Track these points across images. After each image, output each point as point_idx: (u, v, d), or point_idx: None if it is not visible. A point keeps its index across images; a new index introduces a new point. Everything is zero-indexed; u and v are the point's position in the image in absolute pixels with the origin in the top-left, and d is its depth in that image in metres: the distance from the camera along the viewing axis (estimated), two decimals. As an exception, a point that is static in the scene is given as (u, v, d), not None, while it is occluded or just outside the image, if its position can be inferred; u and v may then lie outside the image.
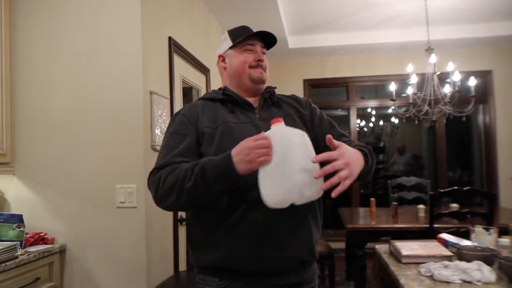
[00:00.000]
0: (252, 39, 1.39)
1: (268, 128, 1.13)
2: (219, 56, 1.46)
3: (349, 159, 1.05)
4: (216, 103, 1.36)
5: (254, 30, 1.40)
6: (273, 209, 1.11)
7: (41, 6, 2.34)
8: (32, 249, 2.08)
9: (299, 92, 5.47)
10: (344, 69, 5.45)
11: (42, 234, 2.23)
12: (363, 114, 7.62)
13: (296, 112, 1.40)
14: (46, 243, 2.22)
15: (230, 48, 1.41)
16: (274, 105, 1.41)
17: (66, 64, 2.30)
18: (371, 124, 8.12)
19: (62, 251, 2.24)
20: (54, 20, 2.33)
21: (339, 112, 7.57)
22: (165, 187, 1.17)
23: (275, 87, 1.46)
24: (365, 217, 3.79)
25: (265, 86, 1.42)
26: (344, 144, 1.09)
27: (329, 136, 1.08)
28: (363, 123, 7.90)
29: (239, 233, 1.19)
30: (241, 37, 1.38)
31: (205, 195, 1.14)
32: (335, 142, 1.07)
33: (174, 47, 2.69)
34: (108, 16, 2.27)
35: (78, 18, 2.30)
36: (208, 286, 1.27)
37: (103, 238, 2.22)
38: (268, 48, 1.44)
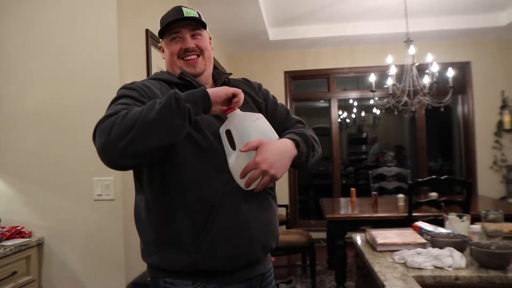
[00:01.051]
0: (179, 25, 1.26)
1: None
2: (160, 47, 1.37)
3: (271, 159, 1.08)
4: (173, 87, 1.25)
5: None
6: (243, 199, 1.14)
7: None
8: (9, 243, 2.05)
9: (280, 84, 5.48)
10: (325, 60, 5.46)
11: (19, 227, 2.21)
12: (344, 106, 7.68)
13: (252, 100, 1.35)
14: (23, 237, 2.19)
15: (162, 37, 1.32)
16: None
17: (41, 57, 2.26)
18: (353, 116, 8.20)
19: (39, 244, 2.22)
20: (29, 13, 2.28)
21: (321, 104, 7.63)
22: (125, 121, 0.99)
23: (230, 73, 1.40)
24: (346, 207, 3.83)
25: (206, 73, 1.32)
26: (265, 144, 1.10)
27: (246, 145, 1.09)
28: (344, 114, 7.97)
29: (217, 230, 1.13)
30: (163, 25, 1.27)
31: (171, 124, 1.00)
32: (253, 143, 1.09)
33: (152, 40, 2.66)
34: (84, 8, 2.23)
35: (54, 11, 2.26)
36: None
37: (81, 231, 2.20)
38: (203, 27, 1.31)
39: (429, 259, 1.44)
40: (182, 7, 1.29)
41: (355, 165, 7.69)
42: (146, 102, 1.10)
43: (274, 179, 1.10)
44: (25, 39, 2.28)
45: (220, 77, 1.37)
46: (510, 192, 4.96)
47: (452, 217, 1.82)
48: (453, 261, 1.42)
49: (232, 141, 1.14)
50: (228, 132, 1.14)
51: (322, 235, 4.92)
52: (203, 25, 1.30)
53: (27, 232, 2.22)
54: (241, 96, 1.13)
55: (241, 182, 1.12)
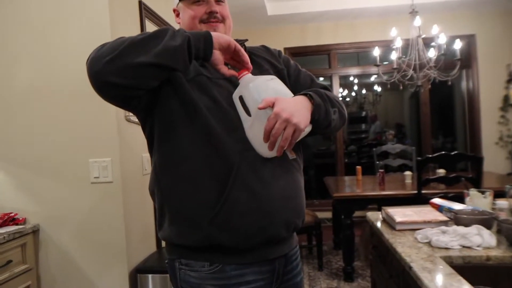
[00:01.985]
0: None
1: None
2: (174, 11, 1.28)
3: (290, 109, 0.99)
4: None
5: None
6: (261, 170, 1.05)
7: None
8: (1, 230, 1.94)
9: (281, 61, 5.31)
10: (326, 36, 5.29)
11: (12, 214, 2.09)
12: (345, 84, 7.53)
13: (272, 67, 1.26)
14: (17, 224, 2.07)
15: (180, 0, 1.22)
16: None
17: (28, 33, 2.10)
18: (353, 94, 8.06)
19: (35, 231, 2.10)
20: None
21: (322, 81, 7.45)
22: (119, 40, 0.95)
23: (246, 39, 1.30)
24: (352, 186, 3.73)
25: None
26: (281, 98, 1.01)
27: (263, 101, 1.00)
28: (345, 92, 7.83)
29: (232, 201, 1.03)
30: None
31: (166, 43, 0.94)
32: (270, 99, 1.00)
33: (146, 12, 2.50)
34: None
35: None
36: (195, 272, 1.09)
37: (78, 216, 2.09)
38: None
39: (455, 238, 1.33)
40: None
41: (356, 144, 7.59)
42: None
43: (298, 129, 0.99)
44: (10, 15, 2.11)
45: None
46: (516, 168, 4.88)
47: (473, 192, 1.70)
48: (482, 240, 1.31)
49: (246, 108, 1.04)
50: (241, 99, 1.04)
51: (327, 214, 4.84)
52: None
53: (21, 218, 2.10)
54: (242, 51, 1.07)
55: (262, 148, 1.03)
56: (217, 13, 1.19)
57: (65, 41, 2.08)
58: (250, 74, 1.06)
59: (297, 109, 1.01)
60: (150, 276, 2.10)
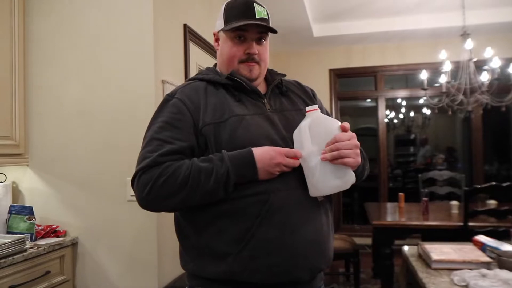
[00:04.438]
0: (246, 24, 1.16)
1: (281, 121, 1.14)
2: (214, 34, 1.28)
3: (357, 145, 1.09)
4: (220, 88, 1.17)
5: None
6: (291, 213, 1.06)
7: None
8: (42, 242, 2.03)
9: (325, 83, 5.27)
10: (372, 57, 5.20)
11: (54, 226, 2.18)
12: (392, 105, 7.32)
13: (306, 106, 1.23)
14: (58, 236, 2.16)
15: (222, 30, 1.21)
16: (282, 95, 1.25)
17: (77, 52, 2.23)
18: (401, 116, 7.82)
19: (73, 244, 2.18)
20: (65, 8, 2.25)
21: (367, 103, 7.33)
22: (169, 185, 1.02)
23: (284, 75, 1.29)
24: (393, 213, 3.59)
25: (258, 80, 1.23)
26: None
27: (343, 125, 1.10)
28: (392, 114, 7.60)
29: (258, 240, 1.03)
30: (233, 22, 1.16)
31: (217, 197, 1.03)
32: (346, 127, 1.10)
33: (190, 35, 2.57)
34: (119, 4, 2.18)
35: (90, 4, 2.21)
36: None
37: (114, 232, 2.15)
38: (272, 32, 1.22)
39: (497, 284, 1.23)
40: (254, 3, 1.19)
41: (402, 168, 7.32)
42: (187, 125, 1.11)
43: (352, 164, 1.07)
44: (61, 34, 2.25)
45: (273, 78, 1.27)
46: None
47: (521, 232, 1.58)
48: (526, 287, 1.20)
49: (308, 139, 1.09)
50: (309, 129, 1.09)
51: (367, 240, 4.68)
52: (271, 30, 1.20)
53: (62, 231, 2.19)
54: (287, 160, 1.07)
55: (315, 181, 1.06)
56: (255, 54, 1.19)
57: (110, 60, 2.18)
58: (319, 111, 1.11)
59: (358, 148, 1.11)
60: (180, 296, 2.10)
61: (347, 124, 1.09)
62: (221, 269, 1.05)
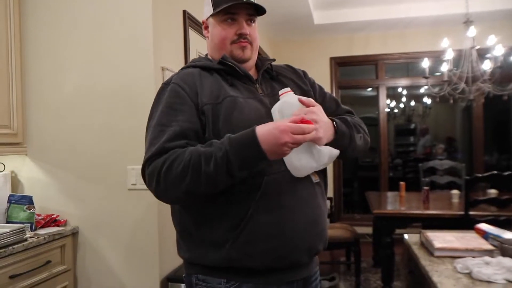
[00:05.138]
0: (236, 6, 1.17)
1: (273, 106, 1.09)
2: (203, 22, 1.28)
3: (321, 119, 1.04)
4: (213, 73, 1.17)
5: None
6: (287, 195, 1.05)
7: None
8: (43, 231, 2.02)
9: (326, 71, 5.23)
10: (374, 46, 5.15)
11: (54, 216, 2.17)
12: (393, 94, 7.28)
13: (298, 88, 1.25)
14: (58, 225, 2.15)
15: (211, 15, 1.21)
16: (273, 80, 1.26)
17: (75, 41, 2.20)
18: (401, 105, 7.78)
19: (74, 233, 2.18)
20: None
21: (368, 92, 7.29)
22: (172, 174, 0.99)
23: (273, 59, 1.29)
24: (394, 202, 3.59)
25: (251, 62, 1.23)
26: (320, 108, 1.08)
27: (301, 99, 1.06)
28: (393, 103, 7.57)
29: (255, 225, 1.03)
30: (222, 4, 1.16)
31: (224, 182, 0.99)
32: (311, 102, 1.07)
33: (190, 21, 2.53)
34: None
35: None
36: None
37: (115, 221, 2.14)
38: (259, 14, 1.23)
39: (500, 271, 1.22)
40: None
41: (402, 157, 7.31)
42: (189, 107, 1.09)
43: (316, 140, 1.01)
44: (58, 24, 2.22)
45: (263, 63, 1.26)
46: None
47: (524, 220, 1.57)
48: (530, 274, 1.19)
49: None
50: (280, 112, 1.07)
51: (368, 229, 4.68)
52: (260, 11, 1.22)
53: (62, 220, 2.18)
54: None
55: (294, 161, 1.04)
56: (247, 34, 1.19)
57: (108, 48, 2.15)
58: (292, 93, 1.08)
59: (325, 127, 1.05)
60: (182, 286, 2.10)
61: (306, 99, 1.05)
62: (219, 255, 1.05)
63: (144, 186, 2.07)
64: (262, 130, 0.96)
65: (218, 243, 1.05)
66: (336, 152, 1.08)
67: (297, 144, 0.96)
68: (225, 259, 1.05)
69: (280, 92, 1.09)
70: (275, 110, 1.08)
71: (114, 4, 2.14)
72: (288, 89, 1.09)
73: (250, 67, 1.24)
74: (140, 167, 2.07)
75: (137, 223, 2.11)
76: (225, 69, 1.17)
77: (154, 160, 1.03)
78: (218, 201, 1.05)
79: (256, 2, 1.20)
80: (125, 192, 2.12)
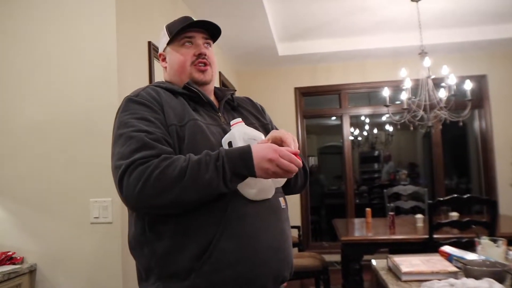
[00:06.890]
0: (192, 30, 1.22)
1: None
2: (160, 55, 1.30)
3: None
4: (178, 96, 1.17)
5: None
6: (251, 220, 1.04)
7: (5, 7, 2.18)
8: (-3, 270, 1.89)
9: (291, 101, 5.32)
10: (336, 76, 5.32)
11: (10, 253, 2.05)
12: (356, 123, 7.50)
13: (257, 121, 1.29)
14: (14, 263, 2.03)
15: (169, 44, 1.24)
16: (234, 110, 1.28)
17: (36, 70, 2.14)
18: (365, 133, 8.01)
19: (31, 271, 2.05)
20: (26, 27, 2.16)
21: (332, 121, 7.46)
22: (166, 178, 0.96)
23: (235, 90, 1.33)
24: (361, 229, 3.62)
25: (211, 85, 1.26)
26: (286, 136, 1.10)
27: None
28: (357, 131, 7.78)
29: (219, 252, 1.01)
30: (178, 28, 1.21)
31: (217, 188, 0.99)
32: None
33: (155, 52, 2.54)
34: (81, 20, 2.12)
35: (48, 22, 2.14)
36: None
37: (76, 257, 2.04)
38: (214, 40, 1.28)
39: (465, 292, 1.24)
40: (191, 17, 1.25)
41: (367, 184, 7.46)
42: (160, 117, 1.08)
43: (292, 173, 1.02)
44: (21, 53, 2.16)
45: (224, 93, 1.28)
46: (534, 211, 4.69)
47: (485, 241, 1.62)
48: (493, 294, 1.22)
49: None
50: (230, 144, 1.07)
51: (336, 257, 4.68)
52: (216, 33, 1.28)
53: (18, 258, 2.06)
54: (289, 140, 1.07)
55: (247, 187, 1.06)
56: (205, 54, 1.21)
57: (70, 78, 2.10)
58: (243, 123, 1.10)
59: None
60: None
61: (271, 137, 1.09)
62: (185, 285, 1.02)
63: (107, 220, 2.03)
64: (257, 144, 1.02)
65: (183, 273, 1.02)
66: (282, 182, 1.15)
67: (279, 167, 0.97)
68: None
69: (231, 123, 1.11)
70: (234, 137, 1.08)
71: (77, 33, 2.11)
72: (239, 119, 1.12)
73: (210, 90, 1.26)
74: (103, 199, 2.02)
75: (100, 258, 2.02)
76: (189, 94, 1.18)
77: (142, 164, 0.98)
78: (183, 230, 1.02)
79: (212, 23, 1.24)
80: (87, 226, 2.03)
